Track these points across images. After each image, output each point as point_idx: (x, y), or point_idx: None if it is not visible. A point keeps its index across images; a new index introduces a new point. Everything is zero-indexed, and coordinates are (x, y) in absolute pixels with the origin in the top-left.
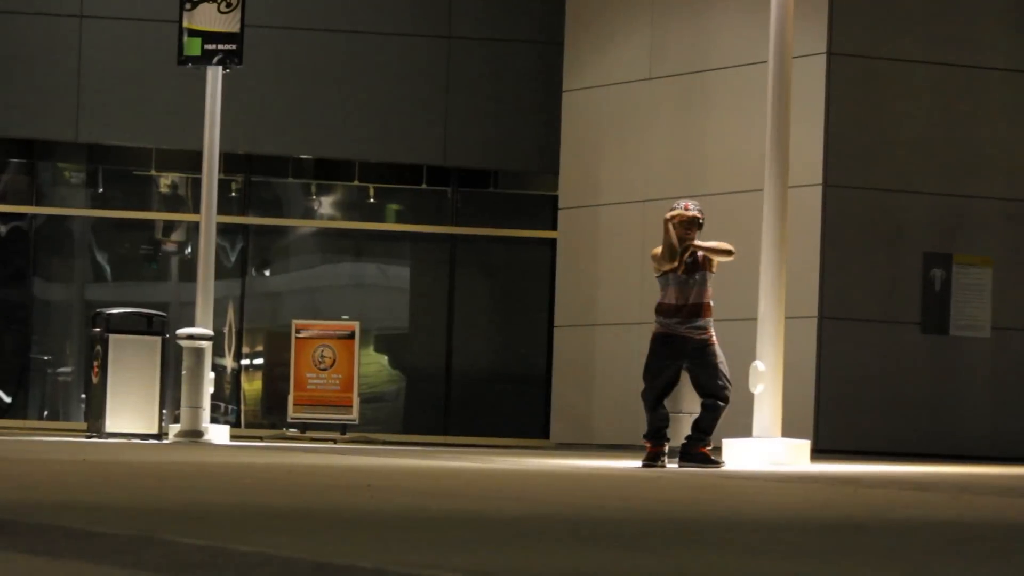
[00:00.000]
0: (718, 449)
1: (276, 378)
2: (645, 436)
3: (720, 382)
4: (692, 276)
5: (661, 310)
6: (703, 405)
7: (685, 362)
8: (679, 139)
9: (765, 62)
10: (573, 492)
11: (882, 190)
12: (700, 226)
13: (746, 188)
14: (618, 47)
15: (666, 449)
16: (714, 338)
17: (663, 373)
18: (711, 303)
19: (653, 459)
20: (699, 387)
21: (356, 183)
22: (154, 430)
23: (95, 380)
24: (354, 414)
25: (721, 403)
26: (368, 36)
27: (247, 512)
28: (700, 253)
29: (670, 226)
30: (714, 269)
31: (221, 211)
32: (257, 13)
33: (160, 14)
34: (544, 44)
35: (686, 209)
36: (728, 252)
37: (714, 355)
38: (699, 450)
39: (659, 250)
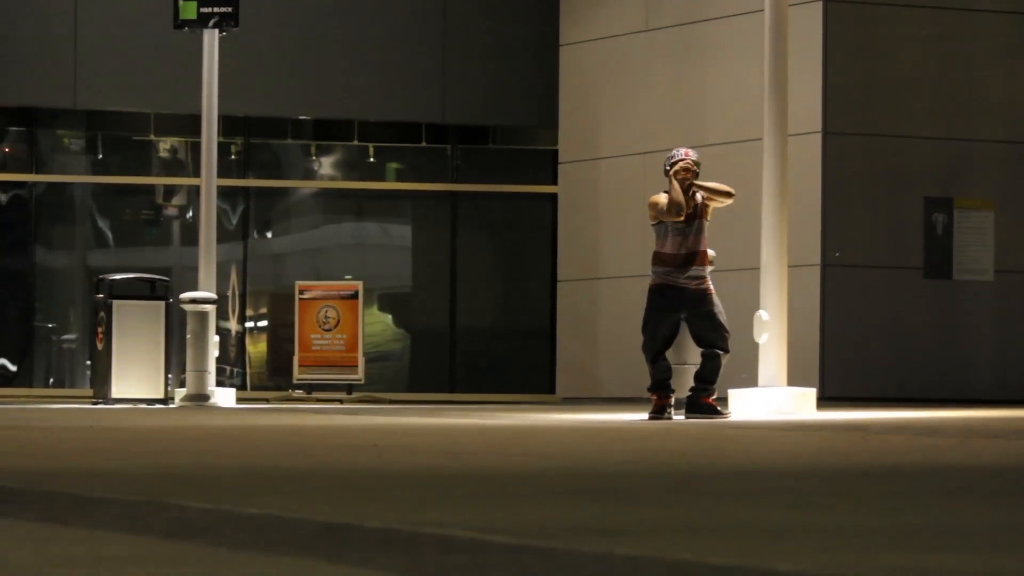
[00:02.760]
0: (724, 399)
1: (281, 340)
2: (650, 389)
3: (719, 331)
4: (690, 224)
5: (660, 259)
6: (703, 355)
7: (683, 312)
8: (677, 90)
9: (761, 11)
10: (580, 447)
11: (882, 136)
12: (697, 175)
13: (746, 138)
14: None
15: (672, 401)
16: (712, 287)
17: (662, 326)
18: (708, 251)
19: (660, 411)
20: (698, 337)
21: (355, 143)
22: (160, 395)
23: (100, 346)
24: (359, 374)
25: (721, 352)
26: None
27: (254, 474)
28: (699, 197)
29: (675, 181)
30: (709, 217)
31: (221, 174)
32: None
33: None
34: None
35: (686, 156)
36: (728, 194)
37: (712, 304)
38: (705, 401)
39: (661, 199)
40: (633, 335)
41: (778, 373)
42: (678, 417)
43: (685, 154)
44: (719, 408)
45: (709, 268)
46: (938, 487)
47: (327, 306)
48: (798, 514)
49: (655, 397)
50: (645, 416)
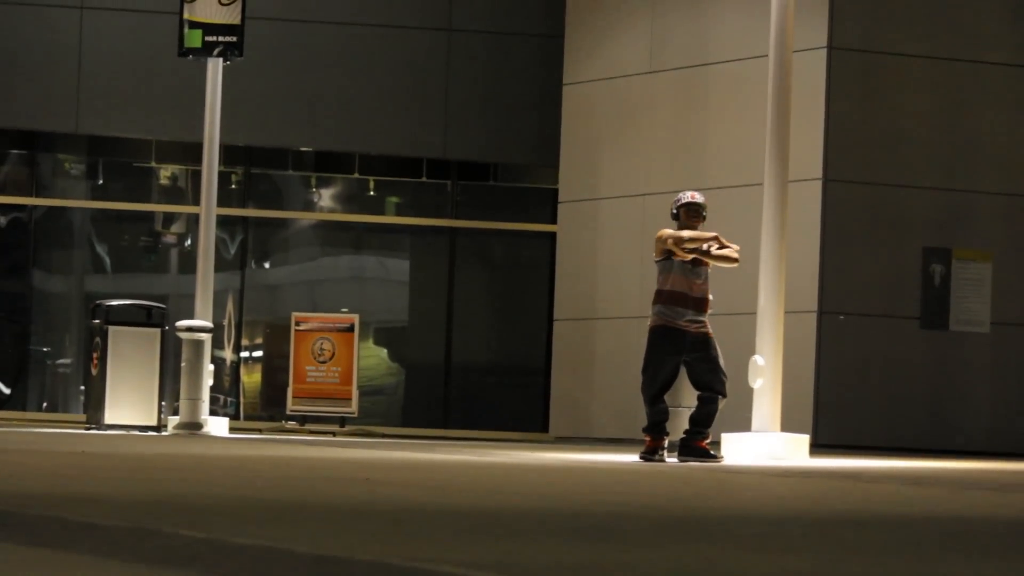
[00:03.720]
0: (717, 443)
1: (275, 370)
2: (644, 430)
3: (719, 375)
4: (696, 267)
5: (661, 297)
6: (700, 399)
7: (684, 355)
8: (679, 133)
9: (765, 56)
10: (572, 486)
11: (882, 185)
12: (703, 217)
13: (746, 182)
14: (618, 40)
15: (665, 443)
16: (711, 330)
17: (664, 368)
18: (711, 298)
19: (651, 453)
20: (697, 380)
21: (356, 176)
22: (153, 422)
23: (94, 372)
24: (353, 407)
25: (720, 397)
26: (368, 28)
27: (246, 504)
28: (704, 245)
29: (704, 237)
30: (711, 264)
31: (221, 203)
32: (258, 5)
33: (161, 5)
34: (544, 37)
35: (693, 199)
36: (734, 260)
37: (713, 348)
38: (698, 444)
39: (667, 232)
40: (628, 376)
41: (772, 418)
42: (670, 460)
43: (691, 196)
44: (712, 452)
45: (709, 314)
46: (927, 537)
47: (323, 338)
48: (787, 560)
49: (649, 439)
50: (637, 457)
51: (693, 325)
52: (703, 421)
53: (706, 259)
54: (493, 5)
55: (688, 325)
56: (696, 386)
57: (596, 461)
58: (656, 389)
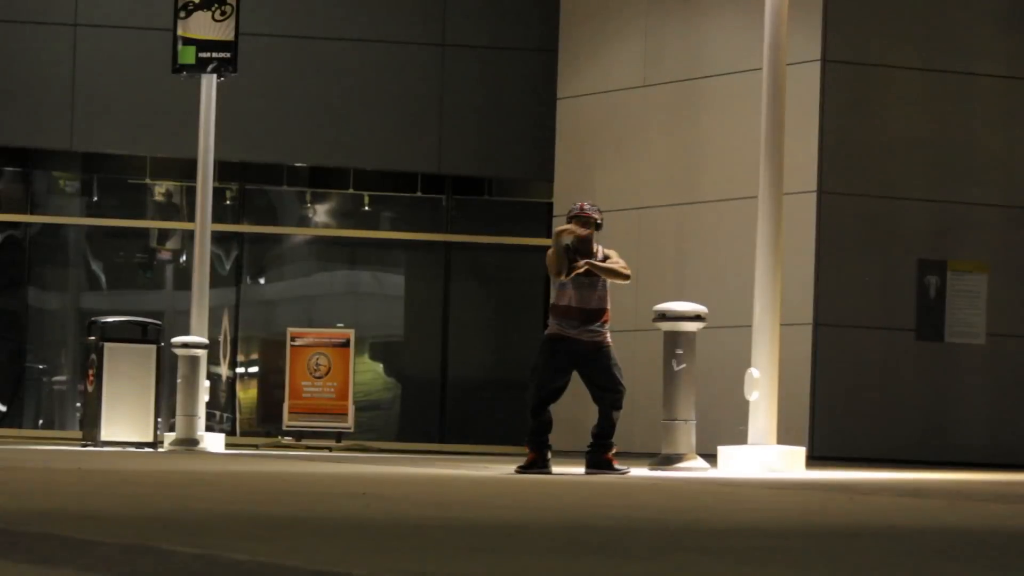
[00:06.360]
0: (623, 454)
1: (271, 386)
2: (527, 442)
3: (616, 388)
4: (592, 279)
5: (556, 312)
6: (601, 412)
7: (579, 367)
8: (673, 146)
9: (759, 69)
10: (569, 500)
11: (876, 197)
12: (598, 227)
13: (740, 195)
14: (612, 54)
15: (548, 456)
16: (609, 339)
17: (555, 379)
18: (609, 309)
19: (530, 466)
20: (595, 392)
21: (351, 191)
22: (149, 438)
23: (90, 389)
24: (349, 422)
25: (616, 410)
26: (362, 44)
27: (242, 520)
28: (602, 252)
29: (555, 243)
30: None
31: (216, 219)
32: (252, 21)
33: (155, 22)
34: (538, 52)
35: (581, 209)
36: (624, 276)
37: (609, 358)
38: (605, 457)
39: (551, 255)
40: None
41: (768, 431)
42: (577, 470)
43: (580, 207)
44: (617, 465)
45: (608, 324)
46: (924, 549)
47: (318, 353)
48: (785, 573)
49: (530, 452)
50: (513, 470)
51: (587, 334)
52: (607, 433)
53: (604, 276)
54: (487, 20)
55: (581, 334)
56: (593, 398)
57: (591, 474)
58: (540, 399)
